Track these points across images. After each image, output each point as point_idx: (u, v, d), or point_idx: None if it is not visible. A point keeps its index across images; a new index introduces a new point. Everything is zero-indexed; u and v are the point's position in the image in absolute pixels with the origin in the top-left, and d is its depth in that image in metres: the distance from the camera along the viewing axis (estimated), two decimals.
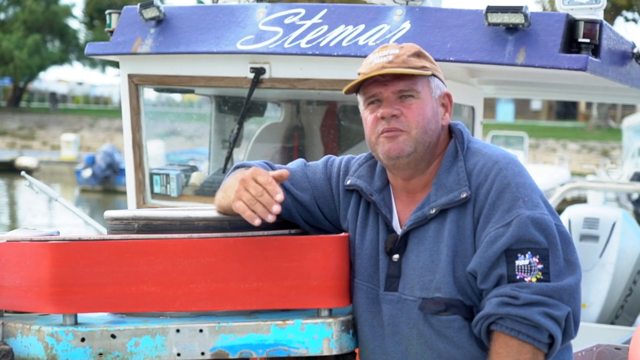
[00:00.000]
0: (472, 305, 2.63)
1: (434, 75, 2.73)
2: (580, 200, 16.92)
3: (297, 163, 2.94)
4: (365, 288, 2.76)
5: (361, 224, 2.80)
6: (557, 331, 2.53)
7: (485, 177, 2.63)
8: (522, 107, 57.95)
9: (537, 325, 2.51)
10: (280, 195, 2.51)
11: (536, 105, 58.60)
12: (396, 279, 2.70)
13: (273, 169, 2.86)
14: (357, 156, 2.93)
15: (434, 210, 2.66)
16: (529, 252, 2.54)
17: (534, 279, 2.53)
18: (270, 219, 2.52)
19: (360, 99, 2.77)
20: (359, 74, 2.74)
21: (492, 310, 2.54)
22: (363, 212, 2.81)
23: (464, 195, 2.62)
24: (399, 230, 2.73)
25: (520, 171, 2.65)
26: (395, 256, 2.71)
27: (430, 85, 2.73)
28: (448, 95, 2.78)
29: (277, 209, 2.51)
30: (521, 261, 2.54)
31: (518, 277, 2.53)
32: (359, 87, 2.75)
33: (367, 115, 2.72)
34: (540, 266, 2.54)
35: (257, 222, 2.52)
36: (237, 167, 2.89)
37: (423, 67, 2.69)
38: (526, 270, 2.54)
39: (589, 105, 50.76)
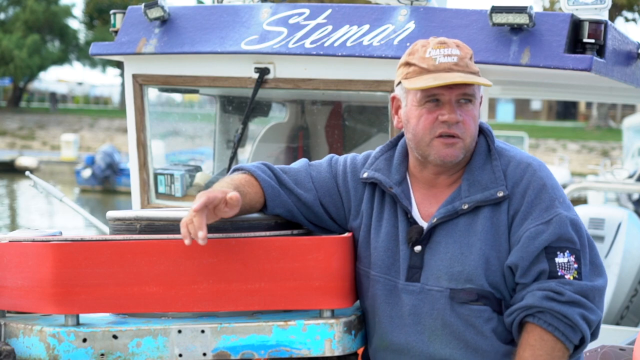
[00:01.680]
0: (501, 298, 2.68)
1: None
2: (581, 200, 16.88)
3: (300, 163, 2.94)
4: (383, 280, 2.76)
5: (377, 217, 2.81)
6: (588, 335, 2.60)
7: (521, 177, 2.69)
8: (522, 107, 57.98)
9: (574, 326, 2.57)
10: (202, 233, 2.51)
11: (536, 105, 58.63)
12: (418, 270, 2.72)
13: (272, 170, 2.86)
14: (368, 151, 2.93)
15: (466, 206, 2.69)
16: (567, 251, 2.62)
17: (571, 277, 2.60)
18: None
19: (409, 90, 2.71)
20: (408, 63, 2.70)
21: (535, 302, 2.58)
22: (378, 205, 2.81)
23: (501, 194, 2.67)
24: (420, 222, 2.74)
25: (550, 174, 2.74)
26: (418, 247, 2.72)
27: (480, 89, 2.75)
28: (481, 97, 2.80)
29: (202, 241, 2.52)
30: (560, 259, 2.61)
31: (559, 273, 2.60)
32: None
33: (424, 114, 2.69)
34: (575, 265, 2.62)
35: (186, 241, 2.55)
36: (235, 170, 2.88)
37: (478, 73, 2.71)
38: (565, 268, 2.61)
39: (589, 105, 50.77)
